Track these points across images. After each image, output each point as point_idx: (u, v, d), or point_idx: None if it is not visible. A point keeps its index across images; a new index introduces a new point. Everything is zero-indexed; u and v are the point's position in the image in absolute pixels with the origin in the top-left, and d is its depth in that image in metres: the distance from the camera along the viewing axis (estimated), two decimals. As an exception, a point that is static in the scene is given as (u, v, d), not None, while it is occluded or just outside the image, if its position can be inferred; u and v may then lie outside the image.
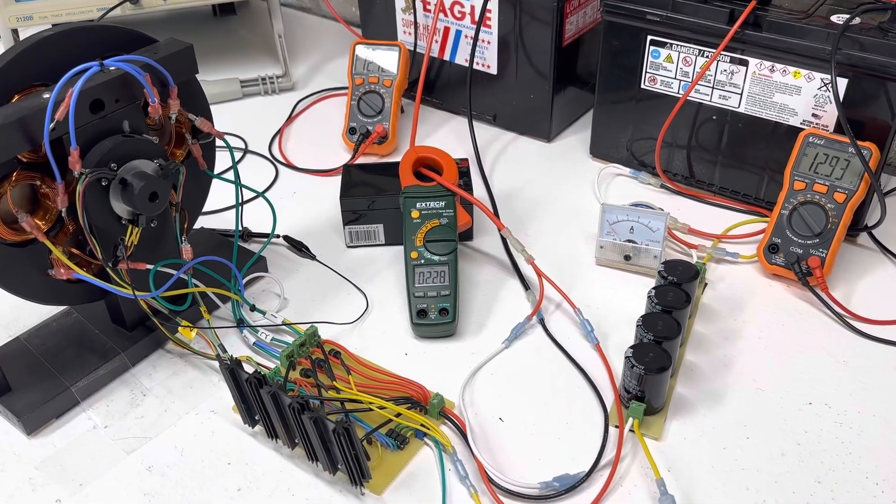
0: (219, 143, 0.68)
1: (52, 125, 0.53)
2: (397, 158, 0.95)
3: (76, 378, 0.63)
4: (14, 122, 0.53)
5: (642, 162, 0.89)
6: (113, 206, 0.59)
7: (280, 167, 0.94)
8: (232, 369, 0.56)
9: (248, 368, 0.58)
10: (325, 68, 1.17)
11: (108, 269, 0.60)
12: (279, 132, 1.01)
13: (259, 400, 0.56)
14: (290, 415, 0.54)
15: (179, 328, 0.64)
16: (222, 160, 0.76)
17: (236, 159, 0.68)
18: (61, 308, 0.70)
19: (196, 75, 0.65)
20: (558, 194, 0.88)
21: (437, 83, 1.02)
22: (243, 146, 0.98)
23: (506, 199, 0.87)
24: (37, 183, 0.58)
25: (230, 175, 0.69)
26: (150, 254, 0.64)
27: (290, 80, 1.10)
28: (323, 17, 1.35)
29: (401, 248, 0.80)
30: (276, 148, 0.98)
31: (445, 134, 1.00)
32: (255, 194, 0.84)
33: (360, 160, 0.94)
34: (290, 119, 1.04)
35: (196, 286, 0.66)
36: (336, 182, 0.91)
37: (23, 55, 0.56)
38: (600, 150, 0.92)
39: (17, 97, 0.56)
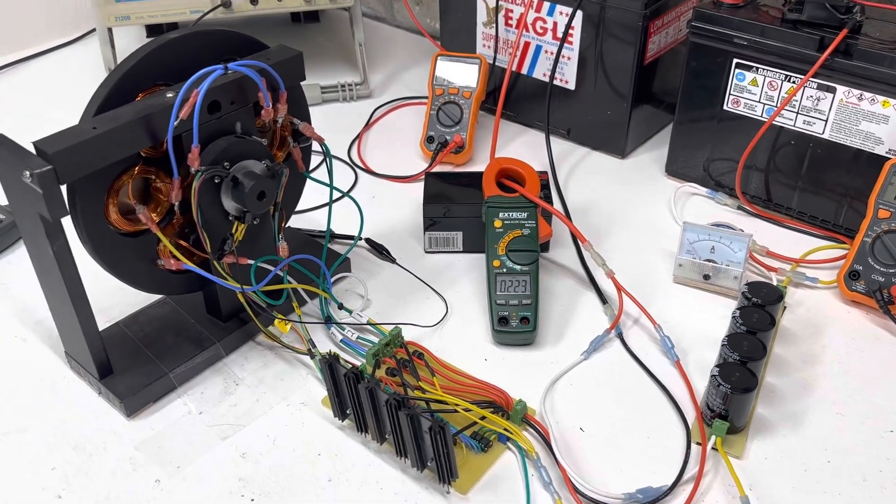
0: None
1: (175, 122, 0.56)
2: (472, 168, 0.98)
3: (174, 364, 0.66)
4: (141, 119, 0.56)
5: (718, 182, 0.90)
6: (223, 202, 0.62)
7: (359, 172, 0.97)
8: (331, 363, 0.58)
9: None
10: (400, 77, 1.19)
11: (213, 263, 0.62)
12: (358, 137, 1.04)
13: (354, 394, 0.58)
14: (386, 410, 0.56)
15: (275, 321, 0.67)
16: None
17: (327, 164, 0.70)
18: (156, 297, 0.73)
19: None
20: (633, 211, 0.89)
21: (512, 96, 1.04)
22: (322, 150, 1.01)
23: (581, 214, 0.88)
24: (152, 177, 0.62)
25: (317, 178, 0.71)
26: (247, 250, 0.67)
27: (367, 88, 1.13)
28: (397, 27, 1.38)
29: (477, 255, 0.82)
30: (355, 153, 1.01)
31: (519, 146, 1.02)
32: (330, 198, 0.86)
33: (437, 168, 0.96)
34: (368, 126, 1.07)
35: (290, 282, 0.68)
36: (413, 188, 0.94)
37: (149, 56, 0.59)
38: (676, 168, 0.93)
39: (140, 96, 0.60)
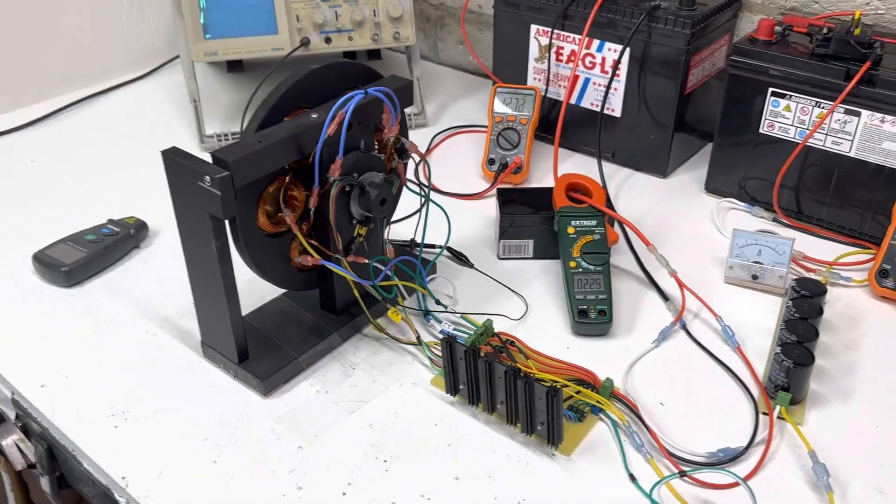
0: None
1: (325, 138, 0.66)
2: (529, 185, 1.08)
3: (300, 350, 0.75)
4: (291, 136, 0.66)
5: (754, 198, 1.01)
6: (351, 208, 0.72)
7: (428, 191, 1.07)
8: (450, 342, 0.68)
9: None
10: (451, 108, 1.31)
11: (342, 260, 0.72)
12: (422, 160, 1.14)
13: (472, 368, 0.67)
14: (504, 381, 0.65)
15: (389, 313, 0.77)
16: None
17: (426, 174, 0.80)
18: (275, 295, 0.82)
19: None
20: (679, 223, 0.99)
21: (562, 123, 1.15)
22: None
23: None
24: (290, 187, 0.72)
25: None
26: (361, 251, 0.76)
27: (424, 118, 1.24)
28: (440, 64, 1.50)
29: (546, 262, 0.92)
30: (422, 175, 1.11)
31: (567, 168, 1.12)
32: (423, 205, 0.96)
33: (500, 187, 1.06)
34: (429, 151, 1.18)
35: (395, 280, 0.78)
36: (479, 205, 1.04)
37: (296, 85, 0.69)
38: (715, 185, 1.04)
39: (287, 118, 0.70)
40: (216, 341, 0.74)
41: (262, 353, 0.75)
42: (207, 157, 0.64)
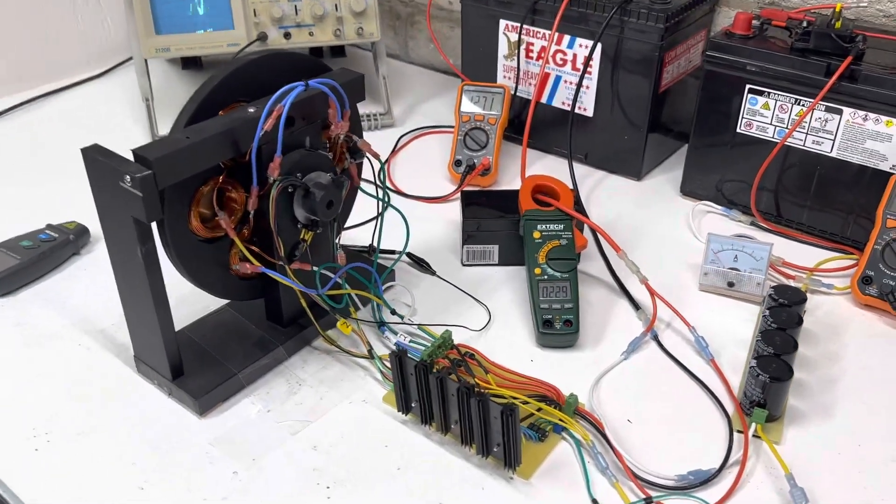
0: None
1: (261, 134, 0.61)
2: (497, 188, 1.03)
3: (241, 366, 0.70)
4: (228, 131, 0.61)
5: (731, 200, 0.96)
6: (294, 211, 0.67)
7: (391, 194, 1.02)
8: (400, 357, 0.62)
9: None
10: (419, 108, 1.26)
11: (286, 267, 0.67)
12: (387, 162, 1.09)
13: (423, 385, 0.62)
14: (457, 398, 0.60)
15: (338, 324, 0.71)
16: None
17: (381, 177, 0.75)
18: (218, 306, 0.77)
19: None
20: (653, 227, 0.95)
21: (532, 123, 1.10)
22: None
23: (604, 230, 0.94)
24: (227, 187, 0.66)
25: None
26: (308, 258, 0.71)
27: (391, 118, 1.19)
28: (410, 62, 1.44)
29: (512, 268, 0.87)
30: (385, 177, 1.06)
31: (539, 170, 1.07)
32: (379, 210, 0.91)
33: (465, 189, 1.01)
34: (395, 152, 1.12)
35: (347, 288, 0.72)
36: (444, 208, 0.99)
37: (231, 76, 0.64)
38: (691, 188, 0.99)
39: (221, 112, 0.65)
40: (149, 356, 0.69)
41: (199, 369, 0.69)
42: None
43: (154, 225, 0.61)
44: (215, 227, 0.65)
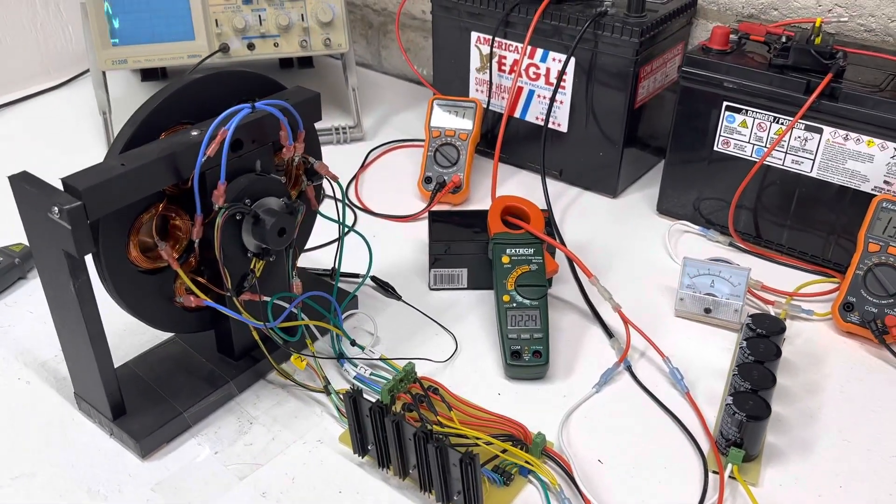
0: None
1: (203, 160, 0.57)
2: (469, 207, 0.99)
3: (188, 404, 0.65)
4: (168, 156, 0.57)
5: (709, 220, 0.93)
6: (243, 239, 0.63)
7: (358, 212, 0.98)
8: (354, 398, 0.58)
9: (365, 399, 0.60)
10: (391, 121, 1.22)
11: (233, 299, 0.63)
12: (355, 179, 1.05)
13: (379, 428, 0.58)
14: (413, 444, 0.56)
15: (292, 358, 0.67)
16: (320, 202, 0.80)
17: (340, 202, 0.71)
18: (165, 337, 0.72)
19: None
20: (628, 248, 0.91)
21: (505, 138, 1.06)
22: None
23: (577, 251, 0.89)
24: (171, 215, 0.62)
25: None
26: (260, 287, 0.67)
27: (361, 131, 1.15)
28: (384, 73, 1.40)
29: (482, 292, 0.83)
30: (352, 194, 1.02)
31: (512, 187, 1.04)
32: (339, 235, 0.87)
33: (436, 208, 0.97)
34: (364, 167, 1.08)
35: (303, 319, 0.68)
36: (413, 227, 0.95)
37: (173, 96, 0.60)
38: (668, 206, 0.96)
39: (164, 135, 0.60)
40: (89, 393, 0.64)
41: (142, 407, 0.65)
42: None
43: (89, 255, 0.57)
44: (157, 257, 0.61)
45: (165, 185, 0.58)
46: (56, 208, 0.52)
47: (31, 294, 0.82)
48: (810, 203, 0.85)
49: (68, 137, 1.13)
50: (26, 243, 0.86)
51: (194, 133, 0.59)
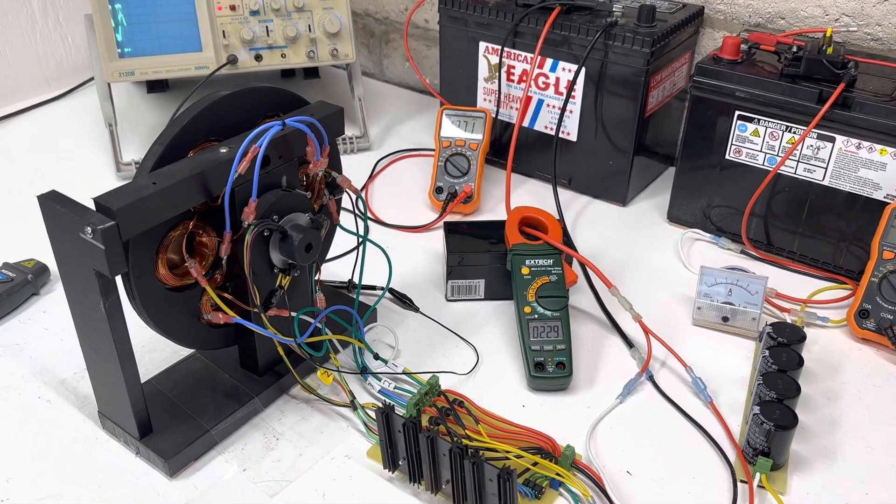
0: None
1: (234, 177, 0.56)
2: (480, 217, 1.00)
3: (214, 421, 0.65)
4: (198, 175, 0.56)
5: (719, 227, 0.94)
6: (270, 255, 0.62)
7: (370, 223, 0.98)
8: (387, 413, 0.58)
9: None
10: (396, 130, 1.22)
11: (261, 315, 0.62)
12: (364, 189, 1.05)
13: (412, 444, 0.58)
14: (449, 459, 0.56)
15: (318, 373, 0.67)
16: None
17: (360, 214, 0.71)
18: (185, 353, 0.72)
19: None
20: (641, 256, 0.92)
21: (514, 147, 1.07)
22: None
23: (590, 260, 0.90)
24: (198, 232, 0.61)
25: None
26: (285, 302, 0.66)
27: (367, 141, 1.15)
28: (386, 82, 1.40)
29: (499, 303, 0.84)
30: (362, 205, 1.02)
31: (522, 195, 1.04)
32: (359, 248, 0.87)
33: (448, 218, 0.97)
34: (372, 177, 1.08)
35: (328, 333, 0.68)
36: (426, 237, 0.95)
37: (201, 114, 0.59)
38: (678, 214, 0.96)
39: (191, 153, 0.60)
40: (114, 412, 0.64)
41: (168, 425, 0.64)
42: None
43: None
44: (184, 274, 0.61)
45: (196, 203, 0.58)
46: (89, 228, 0.52)
47: (45, 310, 0.82)
48: (822, 210, 0.86)
49: (71, 149, 1.12)
50: (38, 259, 0.85)
51: (223, 150, 0.59)
